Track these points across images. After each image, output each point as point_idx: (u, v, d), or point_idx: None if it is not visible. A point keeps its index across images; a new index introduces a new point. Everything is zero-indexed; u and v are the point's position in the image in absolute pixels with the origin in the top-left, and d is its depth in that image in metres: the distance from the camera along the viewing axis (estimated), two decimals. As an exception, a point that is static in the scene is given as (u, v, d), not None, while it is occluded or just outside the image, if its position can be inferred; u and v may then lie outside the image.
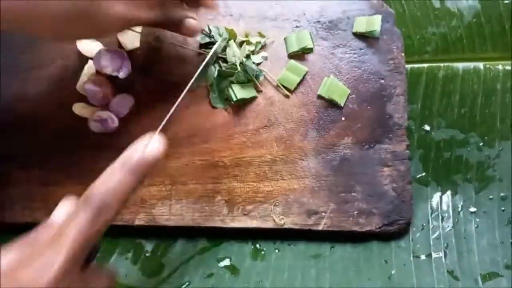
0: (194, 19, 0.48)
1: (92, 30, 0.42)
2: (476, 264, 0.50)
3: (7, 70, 0.56)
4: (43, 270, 0.31)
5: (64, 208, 0.37)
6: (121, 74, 0.54)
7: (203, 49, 0.55)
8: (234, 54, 0.53)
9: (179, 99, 0.44)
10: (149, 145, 0.36)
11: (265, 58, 0.56)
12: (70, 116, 0.54)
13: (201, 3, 0.49)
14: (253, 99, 0.54)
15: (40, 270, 0.31)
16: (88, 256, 0.35)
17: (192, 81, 0.45)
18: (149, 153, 0.36)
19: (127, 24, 0.44)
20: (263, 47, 0.56)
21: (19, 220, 0.52)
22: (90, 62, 0.55)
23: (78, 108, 0.54)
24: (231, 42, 0.54)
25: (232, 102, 0.54)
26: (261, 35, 0.56)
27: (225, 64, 0.54)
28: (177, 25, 0.47)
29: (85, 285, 0.34)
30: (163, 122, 0.40)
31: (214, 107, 0.54)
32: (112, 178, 0.34)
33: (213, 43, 0.54)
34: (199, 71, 0.47)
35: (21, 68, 0.56)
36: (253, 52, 0.55)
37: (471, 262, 0.50)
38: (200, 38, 0.55)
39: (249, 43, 0.55)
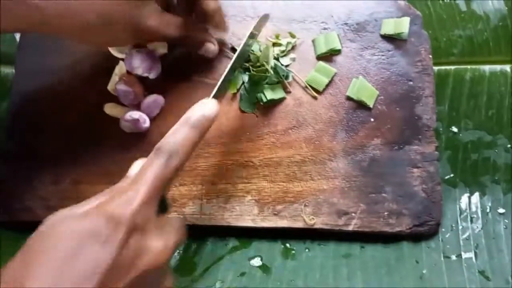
0: (214, 44, 0.54)
1: (123, 38, 0.49)
2: (507, 264, 0.50)
3: (37, 70, 0.57)
4: (127, 203, 0.35)
5: (137, 167, 0.41)
6: (152, 75, 0.55)
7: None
8: (269, 57, 0.53)
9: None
10: (206, 106, 0.42)
11: (293, 60, 0.56)
12: (101, 116, 0.55)
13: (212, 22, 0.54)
14: (281, 100, 0.55)
15: (124, 203, 0.35)
16: (159, 207, 0.39)
17: (218, 84, 0.46)
18: (207, 111, 0.41)
19: (155, 38, 0.51)
20: (293, 47, 0.56)
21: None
22: (121, 62, 0.55)
23: (110, 108, 0.55)
24: (270, 45, 0.55)
25: (262, 103, 0.54)
26: (291, 35, 0.56)
27: (255, 69, 0.54)
28: (197, 46, 0.54)
29: (160, 228, 0.38)
30: (215, 88, 0.45)
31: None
32: (178, 132, 0.40)
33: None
34: (224, 75, 0.47)
35: (52, 69, 0.57)
36: (283, 52, 0.55)
37: (502, 262, 0.50)
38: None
39: (279, 44, 0.56)
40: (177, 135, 0.40)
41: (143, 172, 0.38)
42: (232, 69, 0.49)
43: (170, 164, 0.38)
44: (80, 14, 0.43)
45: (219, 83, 0.46)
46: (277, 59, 0.56)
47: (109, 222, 0.34)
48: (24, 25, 0.44)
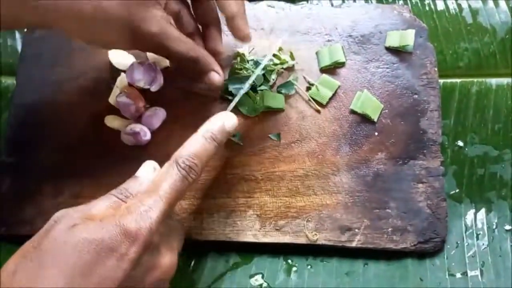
0: (219, 74, 0.50)
1: (120, 40, 0.44)
2: (515, 283, 0.49)
3: (39, 82, 0.57)
4: (145, 219, 0.35)
5: (147, 169, 0.43)
6: (153, 87, 0.54)
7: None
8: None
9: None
10: (227, 118, 0.42)
11: (296, 79, 0.55)
12: (102, 128, 0.54)
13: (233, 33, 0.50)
14: (281, 111, 0.54)
15: (141, 218, 0.35)
16: None
17: (237, 98, 0.48)
18: (227, 124, 0.42)
19: (157, 49, 0.46)
20: (291, 68, 0.56)
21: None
22: (123, 75, 0.55)
23: (111, 121, 0.54)
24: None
25: (257, 106, 0.54)
26: (291, 57, 0.56)
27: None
28: (201, 74, 0.50)
29: (167, 237, 0.39)
30: (233, 103, 0.47)
31: (246, 116, 0.54)
32: (197, 143, 0.40)
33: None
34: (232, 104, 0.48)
35: (53, 81, 0.56)
36: (275, 68, 0.55)
37: (508, 281, 0.49)
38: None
39: (278, 57, 0.55)
40: (197, 146, 0.40)
41: (160, 184, 0.38)
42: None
43: (188, 178, 0.39)
44: (77, 8, 0.40)
45: (237, 97, 0.47)
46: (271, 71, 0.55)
47: (126, 238, 0.34)
48: (21, 17, 0.41)
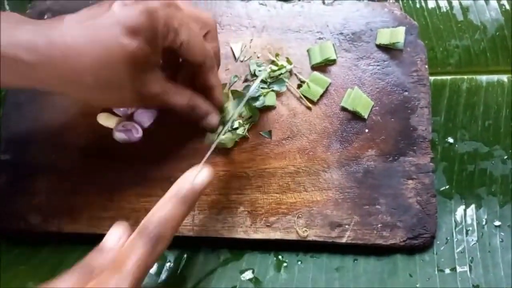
0: (216, 115, 0.50)
1: (124, 102, 0.46)
2: (502, 279, 0.49)
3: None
4: None
5: (116, 234, 0.38)
6: (146, 85, 0.54)
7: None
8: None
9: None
10: (197, 176, 0.40)
11: (287, 77, 0.55)
12: (95, 126, 0.54)
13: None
14: (272, 108, 0.55)
15: None
16: None
17: (211, 149, 0.45)
18: (198, 183, 0.39)
19: (160, 105, 0.46)
20: (289, 72, 0.56)
21: (45, 229, 0.52)
22: (115, 72, 0.55)
23: (103, 118, 0.54)
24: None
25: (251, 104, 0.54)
26: (289, 61, 0.56)
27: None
28: (200, 118, 0.49)
29: None
30: (207, 155, 0.43)
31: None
32: (165, 209, 0.37)
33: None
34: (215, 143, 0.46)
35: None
36: (277, 77, 0.55)
37: (497, 276, 0.50)
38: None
39: (276, 64, 0.55)
40: (165, 212, 0.37)
41: (126, 258, 0.35)
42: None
43: (156, 249, 0.36)
44: (77, 75, 0.40)
45: (212, 147, 0.44)
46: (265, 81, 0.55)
47: None
48: (17, 83, 0.41)
